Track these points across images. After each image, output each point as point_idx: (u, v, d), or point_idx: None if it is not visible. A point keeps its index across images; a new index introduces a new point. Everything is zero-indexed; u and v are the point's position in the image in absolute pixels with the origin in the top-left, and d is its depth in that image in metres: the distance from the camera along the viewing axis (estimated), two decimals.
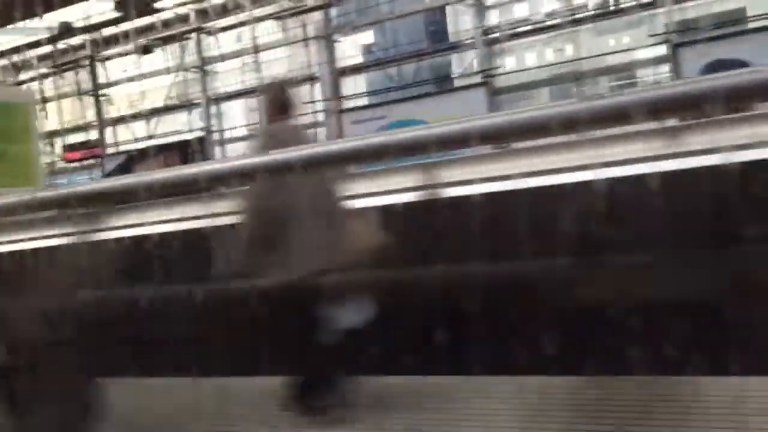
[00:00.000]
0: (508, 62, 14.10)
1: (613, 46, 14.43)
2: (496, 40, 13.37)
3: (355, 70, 15.06)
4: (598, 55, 12.89)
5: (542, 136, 1.18)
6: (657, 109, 1.08)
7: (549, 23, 13.81)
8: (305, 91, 15.49)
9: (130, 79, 18.12)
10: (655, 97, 1.07)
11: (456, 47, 14.06)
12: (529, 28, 13.70)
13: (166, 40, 16.90)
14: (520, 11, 15.38)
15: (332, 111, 14.69)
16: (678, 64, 11.53)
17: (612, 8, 12.93)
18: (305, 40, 15.18)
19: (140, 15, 14.44)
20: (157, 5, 14.87)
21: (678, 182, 3.66)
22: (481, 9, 13.17)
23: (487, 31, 13.28)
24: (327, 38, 14.95)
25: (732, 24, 13.66)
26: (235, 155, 15.21)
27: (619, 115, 1.11)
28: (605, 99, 1.08)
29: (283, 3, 15.15)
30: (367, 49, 16.97)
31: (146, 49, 14.69)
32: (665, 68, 11.60)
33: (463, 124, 1.20)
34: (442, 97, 13.63)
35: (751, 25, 13.14)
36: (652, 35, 11.80)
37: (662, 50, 11.77)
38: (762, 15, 12.57)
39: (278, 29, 16.07)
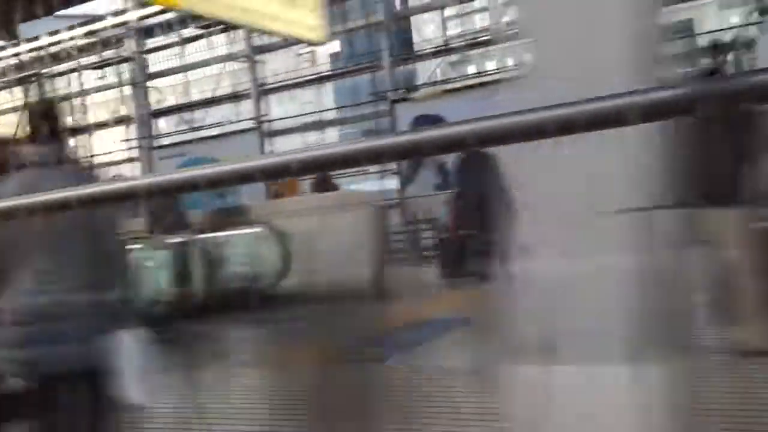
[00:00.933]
0: (279, 110, 16.72)
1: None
2: (268, 91, 16.09)
3: (164, 112, 17.57)
4: (343, 107, 15.63)
5: (543, 137, 1.06)
6: (655, 111, 1.04)
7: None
8: (122, 131, 17.97)
9: None
10: (654, 99, 1.02)
11: (237, 97, 16.66)
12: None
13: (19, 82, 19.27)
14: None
15: (145, 148, 17.19)
16: (394, 117, 14.28)
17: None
18: (121, 85, 17.60)
19: None
20: None
21: None
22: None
23: (261, 84, 15.95)
24: (140, 85, 17.43)
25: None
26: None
27: (617, 118, 1.06)
28: (605, 102, 1.05)
29: (104, 54, 17.59)
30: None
31: None
32: (386, 120, 14.27)
33: (463, 127, 1.12)
34: (228, 138, 16.22)
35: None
36: (372, 93, 14.53)
37: (385, 105, 14.46)
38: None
39: (100, 76, 18.46)
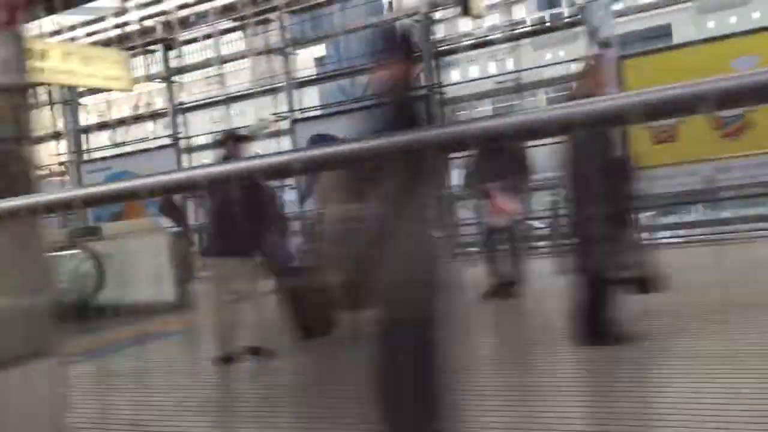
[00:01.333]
0: (192, 128, 17.72)
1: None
2: (186, 110, 17.10)
3: (92, 128, 18.62)
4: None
5: (541, 137, 1.19)
6: (655, 111, 1.07)
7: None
8: (53, 146, 18.93)
9: None
10: (654, 98, 1.05)
11: (157, 115, 17.67)
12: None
13: None
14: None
15: (74, 162, 18.19)
16: (294, 135, 15.26)
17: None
18: (52, 103, 18.59)
19: None
20: None
21: None
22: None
23: (178, 104, 16.96)
24: (71, 102, 18.44)
25: None
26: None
27: (616, 117, 1.10)
28: (604, 101, 1.07)
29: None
30: None
31: None
32: (287, 139, 15.26)
33: (464, 126, 1.16)
34: (149, 154, 17.19)
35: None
36: (274, 113, 15.50)
37: (286, 124, 15.46)
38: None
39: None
